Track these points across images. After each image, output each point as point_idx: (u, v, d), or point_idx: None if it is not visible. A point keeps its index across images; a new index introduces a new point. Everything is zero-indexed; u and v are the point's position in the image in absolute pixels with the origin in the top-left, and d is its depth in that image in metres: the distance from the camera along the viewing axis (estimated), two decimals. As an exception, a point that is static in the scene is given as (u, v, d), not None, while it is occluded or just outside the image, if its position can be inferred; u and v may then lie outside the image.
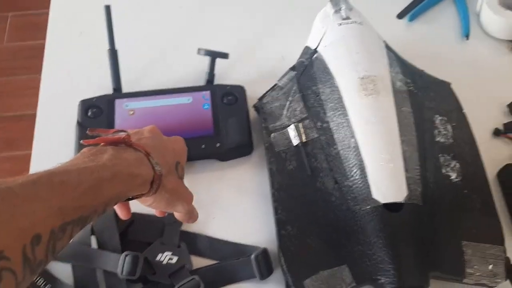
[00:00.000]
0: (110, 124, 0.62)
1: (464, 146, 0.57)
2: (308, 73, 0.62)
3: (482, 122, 0.65)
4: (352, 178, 0.52)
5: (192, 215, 0.49)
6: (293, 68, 0.65)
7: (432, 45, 0.73)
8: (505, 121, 0.65)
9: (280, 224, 0.54)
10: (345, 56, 0.59)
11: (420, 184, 0.52)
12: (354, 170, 0.52)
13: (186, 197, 0.48)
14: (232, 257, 0.55)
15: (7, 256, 0.28)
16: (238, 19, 0.77)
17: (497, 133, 0.64)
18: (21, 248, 0.29)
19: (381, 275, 0.48)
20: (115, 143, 0.41)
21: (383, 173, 0.51)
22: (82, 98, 0.64)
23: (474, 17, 0.75)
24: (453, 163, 0.56)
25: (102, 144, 0.41)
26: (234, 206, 0.60)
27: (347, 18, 0.63)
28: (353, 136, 0.54)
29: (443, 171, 0.55)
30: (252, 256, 0.53)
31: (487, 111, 0.66)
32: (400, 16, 0.75)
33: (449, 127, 0.58)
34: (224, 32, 0.75)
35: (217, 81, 0.68)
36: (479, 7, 0.74)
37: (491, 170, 0.60)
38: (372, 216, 0.50)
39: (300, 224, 0.53)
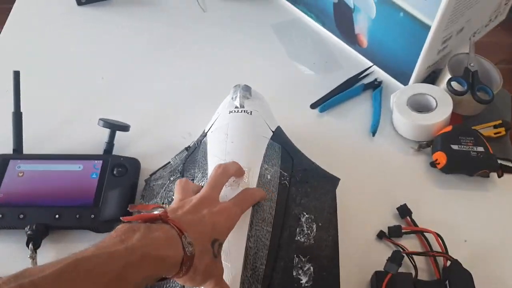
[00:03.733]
0: (-3, 182, 0.64)
1: (324, 249, 0.56)
2: (194, 156, 0.63)
3: (371, 222, 0.64)
4: None
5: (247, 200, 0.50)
6: (187, 149, 0.66)
7: (341, 138, 0.74)
8: (392, 225, 0.63)
9: None
10: (220, 143, 0.60)
11: (259, 284, 0.50)
12: None
13: (217, 274, 0.46)
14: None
15: None
16: (158, 90, 0.81)
17: (380, 236, 0.63)
18: None
19: None
20: (152, 220, 0.41)
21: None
22: (-17, 155, 0.67)
23: (389, 116, 0.76)
24: (307, 266, 0.54)
25: (139, 221, 0.41)
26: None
27: (241, 106, 0.64)
28: None
29: (294, 273, 0.53)
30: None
31: (379, 211, 0.65)
32: (313, 106, 0.76)
33: (314, 226, 0.57)
34: (138, 103, 0.78)
35: (118, 152, 0.69)
36: (392, 106, 0.74)
37: (368, 273, 0.58)
38: None
39: None
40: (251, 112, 0.63)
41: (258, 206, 0.55)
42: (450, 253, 0.59)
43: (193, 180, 0.59)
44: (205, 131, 0.65)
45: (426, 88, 0.73)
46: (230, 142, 0.59)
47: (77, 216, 0.61)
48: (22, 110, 0.69)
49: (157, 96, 0.80)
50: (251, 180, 0.57)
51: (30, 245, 0.59)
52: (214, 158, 0.59)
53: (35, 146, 0.70)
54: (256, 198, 0.54)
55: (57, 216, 0.61)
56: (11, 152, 0.68)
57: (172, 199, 0.59)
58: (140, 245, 0.37)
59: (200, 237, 0.43)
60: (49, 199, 0.63)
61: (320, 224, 0.57)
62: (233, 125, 0.62)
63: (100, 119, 0.68)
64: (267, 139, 0.62)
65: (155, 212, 0.42)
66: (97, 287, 0.33)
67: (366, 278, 0.59)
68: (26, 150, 0.69)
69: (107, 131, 0.69)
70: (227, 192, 0.55)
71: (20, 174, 0.65)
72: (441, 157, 0.67)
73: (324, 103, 0.76)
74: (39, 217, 0.61)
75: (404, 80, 0.78)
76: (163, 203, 0.59)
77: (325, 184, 0.63)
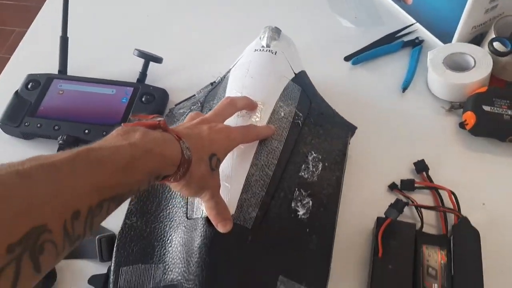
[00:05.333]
0: (39, 97, 0.70)
1: (326, 188, 0.56)
2: (216, 90, 0.65)
3: (385, 173, 0.63)
4: None
5: (221, 211, 0.48)
6: (212, 83, 0.68)
7: (370, 92, 0.72)
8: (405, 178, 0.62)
9: (129, 214, 0.56)
10: (240, 78, 0.61)
11: (257, 209, 0.52)
12: None
13: (213, 187, 0.48)
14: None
15: (50, 229, 0.29)
16: (195, 30, 0.84)
17: (392, 187, 0.62)
18: (62, 223, 0.30)
19: (185, 282, 0.49)
20: (152, 127, 0.42)
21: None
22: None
23: (425, 74, 0.73)
24: (307, 200, 0.54)
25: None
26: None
27: (267, 46, 0.65)
28: None
29: (293, 204, 0.54)
30: (97, 237, 0.56)
31: (395, 164, 0.64)
32: (347, 58, 0.75)
33: (320, 165, 0.57)
34: (176, 40, 0.82)
35: (150, 82, 0.73)
36: (428, 63, 0.71)
37: (371, 221, 0.58)
38: (196, 225, 0.51)
39: (146, 219, 0.56)
40: (275, 52, 0.64)
41: (266, 139, 0.56)
42: (462, 213, 0.57)
43: (210, 109, 0.61)
44: (230, 68, 0.66)
45: (466, 47, 0.70)
46: (250, 77, 0.61)
47: (104, 133, 0.65)
48: (69, 35, 0.74)
49: (194, 35, 0.83)
50: (263, 115, 0.58)
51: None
52: (232, 91, 0.60)
53: (78, 70, 0.75)
54: (261, 134, 0.55)
55: (86, 131, 0.66)
56: (56, 73, 0.74)
57: None
58: (142, 142, 0.39)
59: (197, 147, 0.45)
60: (82, 116, 0.68)
61: (326, 164, 0.58)
62: (256, 62, 0.63)
63: (136, 49, 0.72)
64: (287, 79, 0.63)
65: (155, 120, 0.44)
66: (108, 173, 0.35)
67: (370, 225, 0.58)
68: (70, 72, 0.74)
69: (141, 62, 0.72)
70: (238, 122, 0.56)
71: (61, 92, 0.71)
72: (470, 118, 0.64)
73: (358, 56, 0.74)
74: (71, 130, 0.66)
75: (447, 40, 0.74)
76: None
77: (340, 130, 0.62)
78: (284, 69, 0.64)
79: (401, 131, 0.68)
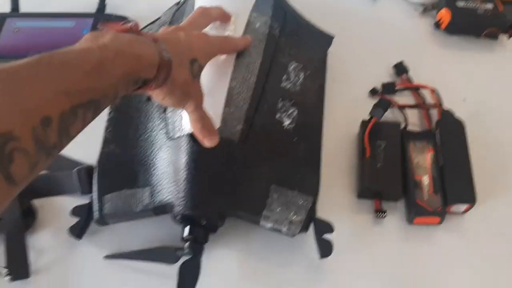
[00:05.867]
0: (-7, 38, 0.65)
1: (310, 96, 0.55)
2: (183, 8, 0.61)
3: (365, 79, 0.62)
4: None
5: (206, 124, 0.46)
6: (177, 3, 0.64)
7: (342, 2, 0.70)
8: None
9: (106, 142, 0.54)
10: (211, -6, 0.58)
11: (242, 122, 0.50)
12: None
13: (197, 96, 0.45)
14: (60, 170, 0.56)
15: (17, 135, 0.27)
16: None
17: (373, 92, 0.61)
18: (31, 129, 0.28)
19: (176, 200, 0.47)
20: (123, 32, 0.39)
21: None
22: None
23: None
24: (291, 110, 0.53)
25: None
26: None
27: None
28: None
29: (277, 115, 0.53)
30: (74, 170, 0.54)
31: (374, 69, 0.63)
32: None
33: (301, 75, 0.56)
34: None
35: (111, 11, 0.69)
36: (397, -33, 0.69)
37: (355, 126, 0.57)
38: (179, 144, 0.49)
39: (125, 145, 0.53)
40: None
41: (244, 52, 0.54)
42: (444, 109, 0.57)
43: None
44: None
45: None
46: None
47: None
48: (17, -31, 0.68)
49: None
50: (238, 27, 0.55)
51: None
52: (201, 4, 0.57)
53: (32, 6, 0.69)
54: (239, 46, 0.53)
55: (49, 67, 0.62)
56: (9, 11, 0.69)
57: None
58: (112, 44, 0.36)
59: (176, 50, 0.42)
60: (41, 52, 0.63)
61: (308, 73, 0.56)
62: None
63: (93, -24, 0.67)
64: None
65: (127, 25, 0.41)
66: (75, 76, 0.32)
67: (354, 130, 0.57)
68: (23, 10, 0.69)
69: (100, -10, 0.68)
70: (213, 34, 0.53)
71: (16, 30, 0.66)
72: (445, 15, 0.63)
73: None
74: (33, 68, 0.62)
75: None
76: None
77: (318, 39, 0.61)
78: None
79: (377, 38, 0.66)
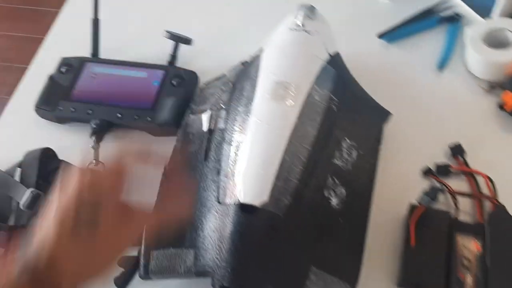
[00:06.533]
0: (73, 81, 0.71)
1: (361, 177, 0.55)
2: (248, 70, 0.64)
3: (419, 158, 0.62)
4: (227, 172, 0.54)
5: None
6: (243, 63, 0.67)
7: (405, 71, 0.70)
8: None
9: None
10: (275, 59, 0.60)
11: (290, 196, 0.51)
12: (231, 166, 0.54)
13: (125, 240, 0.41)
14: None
15: None
16: (224, 5, 0.82)
17: (426, 172, 0.60)
18: None
19: (216, 269, 0.49)
20: None
21: (252, 174, 0.52)
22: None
23: (463, 52, 0.70)
24: (340, 189, 0.54)
25: None
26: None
27: (302, 25, 0.63)
28: (243, 133, 0.55)
29: (325, 193, 0.53)
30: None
31: (430, 148, 0.62)
32: (381, 36, 0.73)
33: (354, 153, 0.56)
34: (203, 17, 0.80)
35: (181, 65, 0.73)
36: (465, 40, 0.68)
37: (404, 207, 0.57)
38: (227, 211, 0.51)
39: None
40: (310, 32, 0.63)
41: (300, 124, 0.55)
42: (500, 200, 0.56)
43: (241, 91, 0.60)
44: (262, 47, 0.65)
45: (507, 22, 0.66)
46: (284, 58, 0.60)
47: (136, 117, 0.67)
48: (101, 17, 0.74)
49: (223, 14, 0.81)
50: (297, 97, 0.57)
51: (94, 137, 0.66)
52: (268, 74, 0.59)
53: (110, 53, 0.75)
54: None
55: (119, 115, 0.67)
56: (89, 56, 0.75)
57: (221, 106, 0.61)
58: None
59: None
60: (114, 99, 0.69)
61: (361, 152, 0.57)
62: (290, 42, 0.62)
63: (166, 31, 0.71)
64: (322, 61, 0.61)
65: None
66: None
67: (402, 212, 0.57)
68: (102, 55, 0.75)
69: (172, 44, 0.72)
70: (271, 106, 0.56)
71: (93, 76, 0.72)
72: (510, 98, 0.61)
73: (392, 33, 0.72)
74: (104, 114, 0.67)
75: (486, 15, 0.70)
76: (211, 109, 0.62)
77: (375, 115, 0.61)
78: (319, 50, 0.62)
79: (436, 112, 0.66)
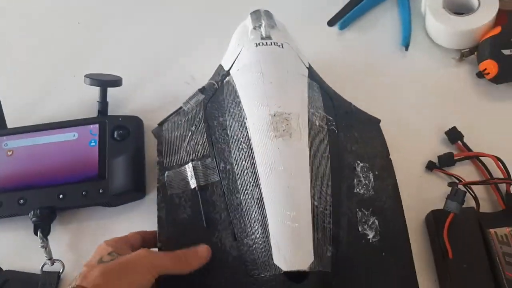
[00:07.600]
0: (-16, 167, 0.55)
1: (386, 200, 0.48)
2: (217, 100, 0.53)
3: (417, 152, 0.56)
4: (253, 236, 0.44)
5: (181, 262, 0.43)
6: (202, 90, 0.55)
7: (367, 57, 0.64)
8: (441, 152, 0.55)
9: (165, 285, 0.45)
10: (257, 85, 0.50)
11: (330, 245, 0.44)
12: (256, 227, 0.44)
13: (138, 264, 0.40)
14: None
15: None
16: (146, 31, 0.69)
17: (430, 167, 0.55)
18: None
19: None
20: None
21: (287, 234, 0.43)
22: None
23: (420, 22, 0.64)
24: (372, 219, 0.47)
25: None
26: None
27: (267, 37, 0.54)
28: (257, 185, 0.45)
29: (360, 229, 0.46)
30: None
31: (425, 139, 0.57)
32: (330, 23, 0.65)
33: (370, 175, 0.49)
34: (126, 50, 0.67)
35: (114, 111, 0.60)
36: (423, 11, 0.63)
37: (420, 212, 0.51)
38: (271, 285, 0.42)
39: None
40: (282, 44, 0.53)
41: (314, 159, 0.47)
42: (512, 176, 0.52)
43: (224, 130, 0.50)
44: (226, 69, 0.54)
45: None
46: (269, 83, 0.50)
47: (84, 193, 0.53)
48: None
49: (147, 38, 0.68)
50: (302, 128, 0.48)
51: (39, 233, 0.52)
52: (253, 104, 0.49)
53: (19, 119, 0.60)
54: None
55: (61, 196, 0.53)
56: (-7, 129, 0.59)
57: (203, 155, 0.50)
58: None
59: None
60: (48, 177, 0.55)
61: (376, 173, 0.50)
62: (266, 62, 0.51)
63: (86, 76, 0.58)
64: (305, 78, 0.52)
65: None
66: None
67: (419, 217, 0.52)
68: (10, 124, 0.59)
69: (97, 89, 0.59)
70: (279, 144, 0.46)
71: (9, 153, 0.56)
72: (490, 66, 0.57)
73: (343, 18, 0.64)
74: (42, 200, 0.53)
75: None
76: (192, 160, 0.50)
77: (370, 127, 0.54)
78: (297, 65, 0.53)
79: (417, 97, 0.60)
